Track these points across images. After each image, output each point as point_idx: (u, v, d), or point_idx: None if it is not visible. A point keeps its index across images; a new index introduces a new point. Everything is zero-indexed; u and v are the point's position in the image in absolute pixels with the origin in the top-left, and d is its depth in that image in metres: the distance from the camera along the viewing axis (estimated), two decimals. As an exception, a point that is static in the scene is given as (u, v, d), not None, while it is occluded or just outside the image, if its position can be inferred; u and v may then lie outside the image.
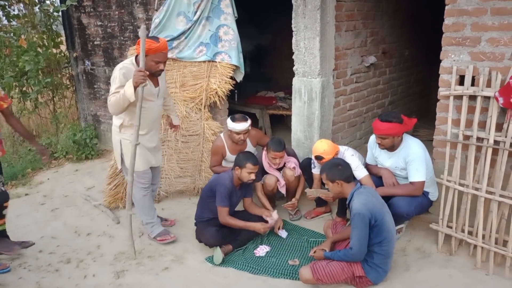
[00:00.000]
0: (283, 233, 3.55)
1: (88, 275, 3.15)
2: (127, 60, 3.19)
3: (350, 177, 2.85)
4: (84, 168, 5.48)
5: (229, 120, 3.74)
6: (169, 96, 3.74)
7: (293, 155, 3.90)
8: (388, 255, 2.77)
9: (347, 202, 2.82)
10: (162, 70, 3.18)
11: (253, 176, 3.28)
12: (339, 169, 2.82)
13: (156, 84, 3.29)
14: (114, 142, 3.41)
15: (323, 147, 3.43)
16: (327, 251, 2.95)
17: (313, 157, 3.52)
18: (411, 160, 3.12)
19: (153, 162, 3.51)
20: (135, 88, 2.92)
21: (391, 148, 3.23)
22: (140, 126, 3.14)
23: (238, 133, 3.70)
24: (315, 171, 3.65)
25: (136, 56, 3.14)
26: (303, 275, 2.82)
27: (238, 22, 4.29)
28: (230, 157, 3.87)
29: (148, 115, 3.27)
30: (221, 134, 3.94)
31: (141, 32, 2.89)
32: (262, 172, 3.78)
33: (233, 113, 3.93)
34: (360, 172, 3.33)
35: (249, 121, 3.73)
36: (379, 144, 3.23)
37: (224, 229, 3.35)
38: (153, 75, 3.19)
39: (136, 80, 2.89)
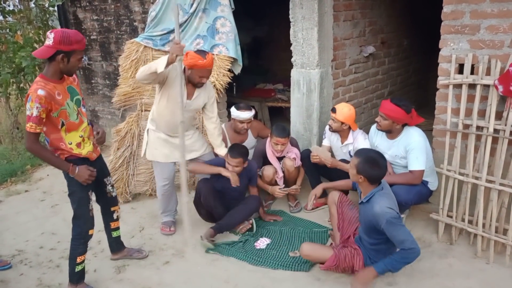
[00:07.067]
0: (262, 243, 3.39)
1: (89, 270, 3.15)
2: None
3: (376, 181, 2.66)
4: (84, 164, 5.46)
5: (233, 109, 3.76)
6: (211, 120, 3.43)
7: (296, 146, 3.89)
8: (391, 254, 2.71)
9: (365, 199, 2.69)
10: (204, 84, 3.15)
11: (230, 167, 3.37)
12: (373, 169, 2.60)
13: (191, 96, 3.19)
14: (144, 133, 3.46)
15: (342, 104, 3.54)
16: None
17: (327, 126, 3.61)
18: (411, 149, 3.11)
19: (177, 158, 3.29)
20: (170, 63, 2.77)
21: (388, 133, 3.25)
22: (159, 126, 3.27)
23: (241, 122, 3.72)
24: (325, 142, 3.71)
25: (185, 69, 3.06)
26: (303, 250, 2.84)
27: (235, 13, 4.25)
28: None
29: (169, 117, 3.18)
30: (223, 125, 3.94)
31: (174, 11, 2.80)
32: (263, 161, 3.79)
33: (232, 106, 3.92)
34: None
35: (253, 111, 3.76)
36: (377, 122, 3.24)
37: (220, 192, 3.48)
38: (194, 86, 3.16)
39: (173, 51, 2.72)
